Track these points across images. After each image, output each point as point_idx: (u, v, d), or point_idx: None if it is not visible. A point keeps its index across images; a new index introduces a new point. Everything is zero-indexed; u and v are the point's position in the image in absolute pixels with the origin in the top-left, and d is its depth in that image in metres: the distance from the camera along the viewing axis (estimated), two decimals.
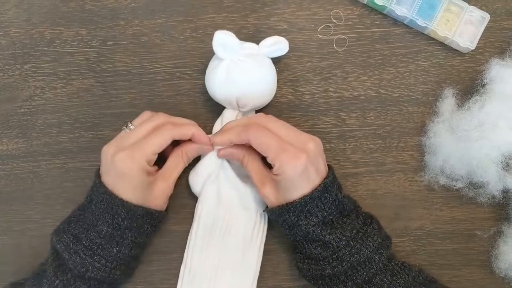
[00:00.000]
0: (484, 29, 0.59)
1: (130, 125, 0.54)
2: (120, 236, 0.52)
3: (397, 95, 0.60)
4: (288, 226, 0.53)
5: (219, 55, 0.55)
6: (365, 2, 0.60)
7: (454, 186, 0.58)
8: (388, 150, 0.60)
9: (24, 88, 0.61)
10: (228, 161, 0.57)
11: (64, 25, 0.61)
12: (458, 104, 0.58)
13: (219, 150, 0.56)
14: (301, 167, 0.50)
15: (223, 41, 0.54)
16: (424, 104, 0.60)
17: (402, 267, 0.52)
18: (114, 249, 0.52)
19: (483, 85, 0.57)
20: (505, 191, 0.57)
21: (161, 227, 0.58)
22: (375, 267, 0.51)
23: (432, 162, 0.58)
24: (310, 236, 0.52)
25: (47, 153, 0.61)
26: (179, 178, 0.57)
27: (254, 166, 0.55)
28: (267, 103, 0.59)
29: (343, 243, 0.51)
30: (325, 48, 0.61)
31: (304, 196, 0.51)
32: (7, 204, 0.61)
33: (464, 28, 0.59)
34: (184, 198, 0.60)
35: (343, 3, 0.61)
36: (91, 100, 0.61)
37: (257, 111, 0.59)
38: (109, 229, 0.52)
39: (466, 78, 0.60)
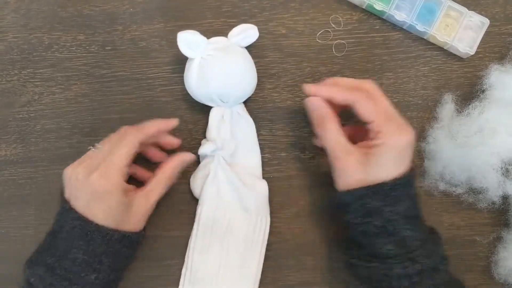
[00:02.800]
0: (484, 34, 0.59)
1: (97, 145, 0.52)
2: (98, 262, 0.49)
3: (396, 100, 0.60)
4: (365, 212, 0.48)
5: (188, 55, 0.55)
6: (364, 7, 0.60)
7: (454, 191, 0.58)
8: None
9: (22, 94, 0.61)
10: (227, 162, 0.57)
11: (62, 30, 0.61)
12: (457, 109, 0.58)
13: (309, 99, 0.52)
14: (408, 141, 0.48)
15: (188, 40, 0.54)
16: (423, 110, 0.60)
17: (458, 285, 0.50)
18: (92, 276, 0.49)
19: (483, 91, 0.57)
20: (504, 197, 0.57)
21: (139, 248, 0.55)
22: (439, 278, 0.48)
23: (432, 168, 0.58)
24: (387, 228, 0.48)
25: (45, 158, 0.60)
26: (177, 184, 0.57)
27: (334, 132, 0.50)
28: (251, 92, 0.58)
29: (419, 243, 0.48)
30: (324, 53, 0.61)
31: (395, 178, 0.47)
32: (5, 210, 0.60)
33: (463, 33, 0.59)
34: (182, 204, 0.59)
35: (342, 8, 0.61)
36: (90, 106, 0.61)
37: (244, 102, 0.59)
38: (85, 256, 0.48)
39: (466, 83, 0.60)
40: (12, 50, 0.61)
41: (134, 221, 0.51)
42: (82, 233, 0.48)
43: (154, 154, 0.58)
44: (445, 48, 0.60)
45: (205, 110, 0.59)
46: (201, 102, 0.58)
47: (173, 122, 0.55)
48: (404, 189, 0.48)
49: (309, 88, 0.52)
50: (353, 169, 0.49)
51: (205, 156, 0.58)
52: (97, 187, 0.48)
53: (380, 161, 0.48)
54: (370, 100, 0.49)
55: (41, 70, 0.61)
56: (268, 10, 0.61)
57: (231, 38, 0.56)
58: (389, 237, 0.48)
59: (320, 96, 0.51)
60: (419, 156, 0.59)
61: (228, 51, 0.56)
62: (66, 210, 0.49)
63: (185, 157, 0.55)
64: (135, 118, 0.60)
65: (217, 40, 0.56)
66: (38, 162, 0.60)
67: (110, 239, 0.49)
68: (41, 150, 0.60)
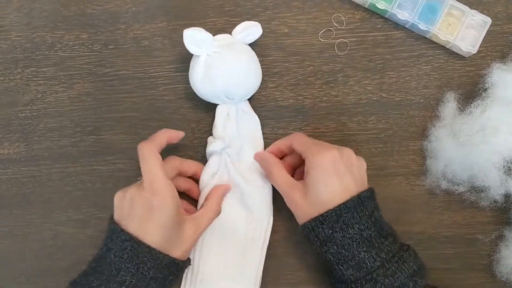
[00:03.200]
0: (486, 33, 0.59)
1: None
2: (145, 286, 0.48)
3: (398, 99, 0.60)
4: (320, 242, 0.50)
5: (194, 52, 0.55)
6: (366, 6, 0.60)
7: (456, 190, 0.58)
8: (389, 154, 0.60)
9: (25, 92, 0.61)
10: (232, 160, 0.57)
11: (65, 29, 0.61)
12: (459, 108, 0.58)
13: (256, 153, 0.58)
14: (329, 160, 0.50)
15: (194, 37, 0.54)
16: (425, 108, 0.60)
17: None
18: None
19: (485, 90, 0.57)
20: (506, 196, 0.57)
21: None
22: None
23: (434, 167, 0.58)
24: (344, 252, 0.49)
25: (48, 157, 0.60)
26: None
27: (283, 175, 0.54)
28: (255, 89, 0.58)
29: (378, 264, 0.48)
30: (326, 52, 0.61)
31: (338, 205, 0.49)
32: (8, 209, 0.60)
33: (465, 32, 0.59)
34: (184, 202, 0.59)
35: (345, 7, 0.61)
36: (92, 104, 0.61)
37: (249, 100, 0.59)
38: (133, 279, 0.47)
39: (468, 82, 0.60)
40: (15, 49, 0.61)
41: (183, 247, 0.51)
42: (133, 255, 0.47)
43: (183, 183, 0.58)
44: (447, 47, 0.60)
45: (208, 108, 0.60)
46: (206, 99, 0.58)
47: (181, 134, 0.55)
48: (352, 213, 0.49)
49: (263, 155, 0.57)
50: (300, 203, 0.51)
51: (211, 154, 0.58)
52: (150, 201, 0.48)
53: (316, 186, 0.50)
54: (303, 137, 0.54)
55: (44, 69, 0.61)
56: (271, 9, 0.61)
57: (235, 36, 0.57)
58: (347, 262, 0.49)
59: (274, 152, 0.57)
60: (422, 154, 0.60)
61: (233, 48, 0.56)
62: (117, 232, 0.49)
63: (228, 186, 0.57)
64: (138, 117, 0.60)
65: (223, 37, 0.57)
66: (41, 160, 0.60)
67: (160, 264, 0.48)
68: (44, 149, 0.60)
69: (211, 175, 0.58)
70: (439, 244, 0.60)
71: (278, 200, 0.58)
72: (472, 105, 0.57)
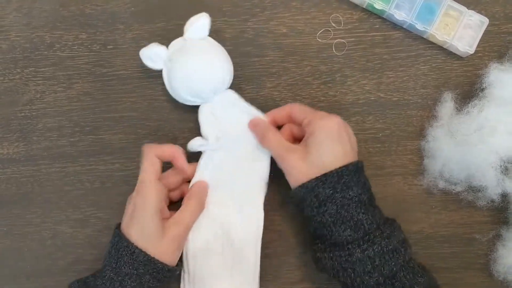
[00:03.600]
0: (483, 33, 0.59)
1: None
2: (119, 282, 0.49)
3: (396, 99, 0.60)
4: (319, 203, 0.50)
5: (153, 68, 0.57)
6: (364, 7, 0.60)
7: (453, 190, 0.58)
8: (387, 154, 0.60)
9: (25, 92, 0.61)
10: (222, 159, 0.58)
11: (64, 29, 0.61)
12: (457, 108, 0.58)
13: (250, 120, 0.57)
14: (335, 125, 0.51)
15: (146, 55, 0.56)
16: (423, 108, 0.60)
17: (422, 268, 0.51)
18: None
19: (482, 89, 0.57)
20: (503, 195, 0.57)
21: (167, 283, 0.54)
22: (402, 258, 0.49)
23: (431, 166, 0.58)
24: (343, 212, 0.50)
25: (47, 157, 0.60)
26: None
27: (275, 138, 0.54)
28: (226, 77, 0.57)
29: (374, 226, 0.50)
30: (324, 52, 0.61)
31: (341, 167, 0.50)
32: (7, 208, 0.60)
33: (463, 32, 0.59)
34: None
35: (343, 8, 0.61)
36: (91, 104, 0.61)
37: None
38: (111, 274, 0.50)
39: (465, 82, 0.60)
40: (15, 49, 0.61)
41: (165, 249, 0.51)
42: (116, 250, 0.50)
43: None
44: (444, 47, 0.60)
45: None
46: (188, 104, 0.58)
47: (185, 165, 0.55)
48: (352, 176, 0.50)
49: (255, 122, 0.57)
50: (299, 165, 0.51)
51: (193, 151, 0.58)
52: (135, 204, 0.51)
53: (318, 148, 0.51)
54: (301, 105, 0.55)
55: (43, 69, 0.61)
56: (269, 9, 0.61)
57: (185, 34, 0.57)
58: (345, 223, 0.50)
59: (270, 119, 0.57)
60: (419, 154, 0.60)
61: (184, 50, 0.56)
62: (114, 230, 0.52)
63: (205, 184, 0.57)
64: (137, 116, 0.61)
65: (174, 43, 0.57)
66: (40, 160, 0.60)
67: (136, 260, 0.49)
68: (43, 149, 0.61)
69: (200, 176, 0.58)
70: (436, 244, 0.60)
71: (276, 198, 0.59)
72: (470, 105, 0.57)
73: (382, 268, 0.49)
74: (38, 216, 0.60)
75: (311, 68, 0.61)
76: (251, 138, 0.58)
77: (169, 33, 0.60)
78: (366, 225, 0.50)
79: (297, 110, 0.55)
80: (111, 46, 0.61)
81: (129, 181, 0.60)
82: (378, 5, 0.59)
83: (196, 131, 0.60)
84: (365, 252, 0.49)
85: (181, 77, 0.56)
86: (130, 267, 0.49)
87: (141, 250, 0.50)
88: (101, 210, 0.60)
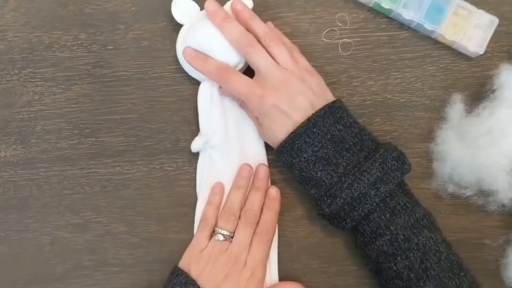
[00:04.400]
0: (493, 33, 0.57)
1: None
2: None
3: (403, 100, 0.59)
4: (287, 167, 0.55)
5: (178, 20, 0.57)
6: (371, 6, 0.59)
7: (463, 194, 0.57)
8: None
9: (23, 94, 0.60)
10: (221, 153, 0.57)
11: (63, 29, 0.60)
12: (466, 110, 0.57)
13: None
14: (268, 105, 0.52)
15: (180, 6, 0.56)
16: (431, 110, 0.59)
17: (404, 207, 0.51)
18: None
19: (493, 91, 0.56)
20: None
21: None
22: (369, 202, 0.50)
23: (440, 170, 0.57)
24: (304, 174, 0.52)
25: (46, 160, 0.59)
26: (181, 185, 0.58)
27: (240, 78, 0.54)
28: (240, 65, 0.56)
29: (335, 179, 0.51)
30: (330, 52, 0.60)
31: (289, 134, 0.52)
32: (5, 213, 0.59)
33: (472, 32, 0.57)
34: (185, 206, 0.58)
35: (349, 7, 0.60)
36: (91, 106, 0.60)
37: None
38: None
39: (475, 83, 0.59)
40: (12, 50, 0.60)
41: None
42: None
43: None
44: (453, 47, 0.59)
45: None
46: (192, 75, 0.58)
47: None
48: (303, 137, 0.52)
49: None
50: (264, 137, 0.57)
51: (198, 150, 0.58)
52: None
53: (265, 129, 0.54)
54: (239, 80, 0.55)
55: (41, 70, 0.60)
56: (273, 8, 0.60)
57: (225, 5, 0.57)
58: (309, 183, 0.53)
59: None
60: (427, 157, 0.59)
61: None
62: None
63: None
64: (138, 118, 0.60)
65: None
66: (38, 163, 0.59)
67: None
68: (42, 151, 0.59)
69: (200, 173, 0.58)
70: None
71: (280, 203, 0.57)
72: (480, 106, 0.56)
73: (352, 214, 0.51)
74: (37, 221, 0.59)
75: (317, 68, 0.58)
76: (246, 126, 0.58)
77: (171, 33, 0.59)
78: (326, 180, 0.51)
79: (235, 91, 0.54)
80: (111, 47, 0.60)
81: (130, 185, 0.59)
82: (386, 4, 0.57)
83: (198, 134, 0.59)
84: (331, 207, 0.51)
85: (201, 36, 0.55)
86: None
87: None
88: (101, 215, 0.59)
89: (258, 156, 0.58)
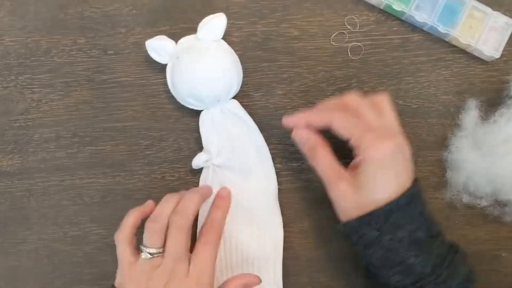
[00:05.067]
0: (509, 36, 0.55)
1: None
2: None
3: (416, 106, 0.57)
4: (364, 245, 0.46)
5: (158, 61, 0.55)
6: (382, 8, 0.57)
7: (478, 204, 0.55)
8: None
9: (20, 101, 0.58)
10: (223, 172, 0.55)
11: (61, 34, 0.58)
12: (482, 116, 0.55)
13: (294, 130, 0.51)
14: (388, 149, 0.44)
15: (153, 47, 0.54)
16: (445, 116, 0.57)
17: None
18: None
19: (510, 97, 0.54)
20: None
21: None
22: None
23: (455, 179, 0.55)
24: (391, 256, 0.45)
25: (44, 169, 0.58)
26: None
27: (326, 159, 0.48)
28: (232, 87, 0.54)
29: (428, 270, 0.44)
30: (339, 56, 0.57)
31: (388, 202, 0.44)
32: (1, 224, 0.58)
33: (488, 35, 0.55)
34: None
35: (358, 9, 0.58)
36: (91, 113, 0.58)
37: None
38: None
39: (491, 88, 0.56)
40: (9, 55, 0.58)
41: None
42: None
43: None
44: (468, 50, 0.57)
45: None
46: (188, 106, 0.56)
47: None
48: (403, 211, 0.45)
49: (287, 120, 0.50)
50: (347, 195, 0.46)
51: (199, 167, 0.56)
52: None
53: (367, 180, 0.45)
54: (347, 117, 0.47)
55: (39, 76, 0.58)
56: (280, 11, 0.58)
57: (198, 33, 0.54)
58: (394, 268, 0.45)
59: (300, 126, 0.50)
60: (441, 166, 0.56)
61: (193, 50, 0.53)
62: None
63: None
64: (139, 126, 0.58)
65: (184, 40, 0.55)
66: (36, 173, 0.58)
67: None
68: (40, 161, 0.58)
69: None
70: None
71: (287, 214, 0.56)
72: (496, 113, 0.53)
73: None
74: (34, 233, 0.58)
75: (325, 73, 0.57)
76: (251, 151, 0.55)
77: (173, 37, 0.57)
78: (418, 269, 0.44)
79: (340, 127, 0.47)
80: (111, 51, 0.58)
81: (131, 195, 0.57)
82: (397, 6, 0.55)
83: (200, 142, 0.57)
84: None
85: (185, 78, 0.53)
86: None
87: None
88: (101, 226, 0.57)
89: (265, 172, 0.56)
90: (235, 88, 0.55)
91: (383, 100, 0.49)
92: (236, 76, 0.54)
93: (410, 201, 0.45)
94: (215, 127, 0.55)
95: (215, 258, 0.49)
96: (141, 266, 0.48)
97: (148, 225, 0.49)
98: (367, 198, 0.45)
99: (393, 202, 0.44)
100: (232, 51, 0.55)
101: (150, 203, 0.51)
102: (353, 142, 0.46)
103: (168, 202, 0.50)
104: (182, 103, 0.55)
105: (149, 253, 0.48)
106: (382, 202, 0.44)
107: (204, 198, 0.52)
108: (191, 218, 0.49)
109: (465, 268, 0.46)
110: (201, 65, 0.53)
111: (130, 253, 0.49)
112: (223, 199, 0.53)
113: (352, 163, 0.48)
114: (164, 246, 0.48)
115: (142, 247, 0.48)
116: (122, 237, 0.49)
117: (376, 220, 0.45)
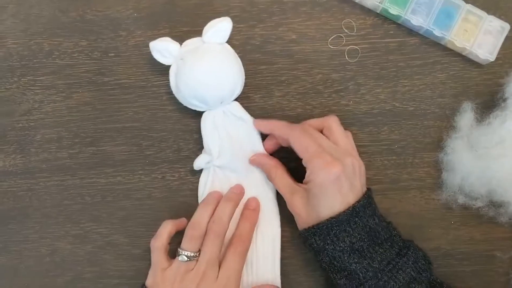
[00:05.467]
0: (504, 40, 0.56)
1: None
2: None
3: (412, 108, 0.58)
4: (314, 252, 0.51)
5: (162, 62, 0.55)
6: (378, 12, 0.58)
7: (473, 205, 0.55)
8: (403, 166, 0.57)
9: (22, 102, 0.59)
10: (224, 173, 0.56)
11: (63, 36, 0.59)
12: (477, 118, 0.55)
13: (252, 156, 0.56)
14: (334, 175, 0.48)
15: (157, 48, 0.54)
16: (441, 118, 0.57)
17: None
18: None
19: (504, 99, 0.54)
20: None
21: None
22: None
23: (450, 180, 0.56)
24: (335, 263, 0.49)
25: (46, 169, 0.58)
26: (185, 196, 0.57)
27: (283, 179, 0.53)
28: (234, 90, 0.55)
29: (370, 274, 0.48)
30: (336, 59, 0.58)
31: (330, 218, 0.48)
32: (4, 223, 0.58)
33: (483, 39, 0.56)
34: (187, 217, 0.56)
35: (355, 13, 0.58)
36: (92, 114, 0.58)
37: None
38: None
39: (486, 91, 0.57)
40: (11, 57, 0.59)
41: None
42: None
43: None
44: (463, 54, 0.57)
45: None
46: (191, 108, 0.56)
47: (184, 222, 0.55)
48: (343, 226, 0.49)
49: (257, 124, 0.55)
50: (300, 210, 0.51)
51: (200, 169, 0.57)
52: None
53: (315, 196, 0.49)
54: (303, 136, 0.51)
55: (41, 78, 0.59)
56: (278, 15, 0.58)
57: (203, 36, 0.54)
58: (340, 272, 0.50)
59: (265, 131, 0.55)
60: (437, 167, 0.57)
61: (198, 53, 0.54)
62: None
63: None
64: (139, 127, 0.58)
65: (189, 42, 0.55)
66: (38, 173, 0.58)
67: None
68: (42, 161, 0.58)
69: (202, 187, 0.57)
70: (455, 261, 0.57)
71: (285, 214, 0.56)
72: (491, 115, 0.54)
73: None
74: (36, 231, 0.58)
75: (323, 76, 0.58)
76: (251, 153, 0.56)
77: (174, 40, 0.57)
78: (360, 274, 0.48)
79: (296, 145, 0.51)
80: (112, 54, 0.58)
81: (131, 195, 0.58)
82: (393, 10, 0.56)
83: (201, 143, 0.57)
84: None
85: (189, 80, 0.53)
86: None
87: None
88: (102, 226, 0.58)
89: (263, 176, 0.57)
90: (239, 90, 0.55)
91: (333, 123, 0.52)
92: (239, 78, 0.55)
93: (351, 217, 0.49)
94: (217, 128, 0.55)
95: (242, 267, 0.52)
96: (176, 268, 0.51)
97: (188, 232, 0.52)
98: (313, 212, 0.50)
99: (333, 219, 0.48)
100: (236, 54, 0.56)
101: (183, 220, 0.54)
102: (304, 163, 0.51)
103: (206, 210, 0.53)
104: (185, 104, 0.56)
105: (186, 256, 0.51)
106: (326, 217, 0.49)
107: (237, 204, 0.55)
108: (226, 225, 0.52)
109: (413, 269, 0.49)
110: (206, 68, 0.53)
111: (164, 259, 0.52)
112: (252, 211, 0.55)
113: (305, 179, 0.51)
114: (199, 251, 0.51)
115: (180, 250, 0.51)
116: (159, 245, 0.52)
117: (320, 232, 0.49)
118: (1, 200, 0.58)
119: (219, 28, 0.54)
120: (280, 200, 0.56)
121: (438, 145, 0.57)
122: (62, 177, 0.58)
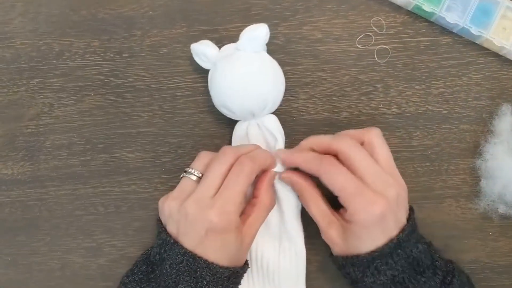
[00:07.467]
0: None
1: (191, 170, 0.48)
2: None
3: (446, 111, 0.55)
4: (351, 280, 0.48)
5: (203, 66, 0.53)
6: (409, 9, 0.55)
7: None
8: (437, 173, 0.55)
9: (31, 106, 0.56)
10: None
11: (74, 36, 0.56)
12: None
13: (284, 173, 0.51)
14: (378, 216, 0.45)
15: (196, 52, 0.53)
16: (477, 122, 0.54)
17: None
18: None
19: None
20: None
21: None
22: None
23: (489, 188, 0.53)
24: None
25: (56, 178, 0.56)
26: None
27: (319, 206, 0.50)
28: (271, 105, 0.52)
29: None
30: (364, 59, 0.55)
31: (372, 251, 0.45)
32: (12, 235, 0.56)
33: None
34: None
35: (385, 10, 0.55)
36: (105, 119, 0.56)
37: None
38: None
39: None
40: (20, 58, 0.56)
41: (242, 256, 0.49)
42: (190, 270, 0.46)
43: None
44: (500, 53, 0.54)
45: (232, 123, 0.55)
46: (225, 115, 0.54)
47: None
48: (387, 258, 0.46)
49: (279, 155, 0.51)
50: (336, 238, 0.48)
51: None
52: (214, 225, 0.45)
53: (356, 234, 0.46)
54: (336, 174, 0.46)
55: (51, 80, 0.56)
56: (302, 13, 0.56)
57: (237, 44, 0.51)
58: None
59: (289, 165, 0.51)
60: (474, 174, 0.54)
61: (228, 60, 0.51)
62: (170, 244, 0.47)
63: (272, 173, 0.51)
64: (155, 132, 0.56)
65: (225, 48, 0.53)
66: (48, 181, 0.56)
67: (220, 277, 0.46)
68: (52, 169, 0.56)
69: None
70: (494, 275, 0.54)
71: (310, 228, 0.53)
72: None
73: None
74: (46, 244, 0.56)
75: (350, 77, 0.55)
76: (280, 167, 0.53)
77: (191, 40, 0.55)
78: None
79: (329, 180, 0.47)
80: (126, 55, 0.56)
81: (147, 205, 0.55)
82: (427, 7, 0.53)
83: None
84: None
85: (217, 87, 0.51)
86: (215, 284, 0.46)
87: (224, 268, 0.46)
88: (116, 238, 0.56)
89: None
90: (271, 104, 0.52)
91: (374, 137, 0.48)
92: (275, 91, 0.51)
93: (394, 250, 0.46)
94: (248, 139, 0.52)
95: (245, 189, 0.47)
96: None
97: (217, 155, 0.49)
98: (352, 247, 0.47)
99: (376, 252, 0.45)
100: (274, 65, 0.52)
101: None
102: (341, 201, 0.47)
103: (245, 148, 0.50)
104: (220, 110, 0.54)
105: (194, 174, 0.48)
106: (367, 250, 0.46)
107: (274, 166, 0.51)
108: (256, 167, 0.48)
109: None
110: (232, 77, 0.50)
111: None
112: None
113: (342, 210, 0.48)
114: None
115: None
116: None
117: (359, 263, 0.46)
118: (9, 211, 0.56)
119: (252, 37, 0.50)
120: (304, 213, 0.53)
121: (475, 150, 0.54)
122: (73, 186, 0.56)
